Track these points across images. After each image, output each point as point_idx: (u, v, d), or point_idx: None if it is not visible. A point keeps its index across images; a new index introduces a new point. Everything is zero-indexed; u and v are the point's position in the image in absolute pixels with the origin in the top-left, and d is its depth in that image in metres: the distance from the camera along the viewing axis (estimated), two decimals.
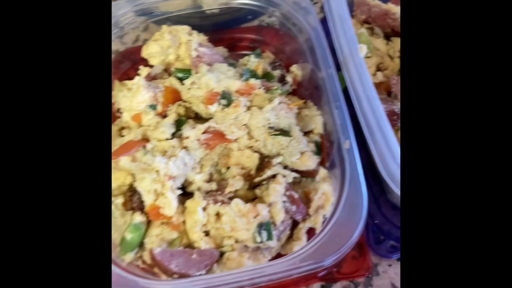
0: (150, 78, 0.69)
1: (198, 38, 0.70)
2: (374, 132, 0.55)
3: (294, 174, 0.61)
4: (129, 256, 0.59)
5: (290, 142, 0.62)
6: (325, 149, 0.66)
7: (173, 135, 0.63)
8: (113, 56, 0.77)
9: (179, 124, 0.64)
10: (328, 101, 0.63)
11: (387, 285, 0.64)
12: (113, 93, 0.73)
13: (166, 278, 0.56)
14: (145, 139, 0.63)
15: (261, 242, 0.57)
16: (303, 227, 0.61)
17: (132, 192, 0.63)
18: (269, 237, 0.58)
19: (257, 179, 0.61)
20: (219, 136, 0.62)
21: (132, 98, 0.64)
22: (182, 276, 0.55)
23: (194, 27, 0.74)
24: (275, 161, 0.61)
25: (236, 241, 0.58)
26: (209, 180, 0.63)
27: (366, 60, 0.69)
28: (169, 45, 0.69)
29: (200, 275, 0.55)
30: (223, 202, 0.59)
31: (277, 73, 0.71)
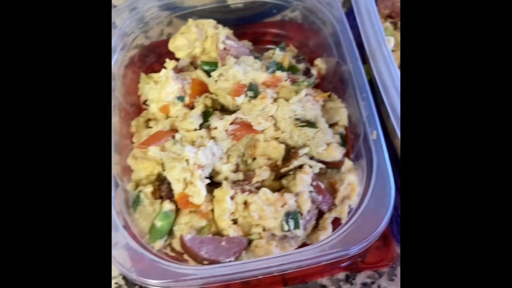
0: (177, 70, 0.70)
1: (224, 31, 0.71)
2: None
3: (321, 165, 0.62)
4: (159, 244, 0.60)
5: (316, 133, 0.63)
6: (350, 141, 0.67)
7: (201, 126, 0.65)
8: (138, 50, 0.78)
9: (206, 115, 0.65)
10: (354, 93, 0.64)
11: None
12: (139, 85, 0.75)
13: (195, 264, 0.58)
14: (174, 130, 0.64)
15: (289, 230, 0.58)
16: (329, 217, 0.62)
17: (160, 181, 0.64)
18: (296, 226, 0.59)
19: (283, 170, 0.62)
20: (246, 127, 0.63)
21: (160, 90, 0.66)
22: (212, 262, 0.56)
23: (218, 21, 0.76)
24: (302, 152, 0.62)
25: (264, 230, 0.59)
26: (236, 171, 0.64)
27: None
28: (196, 38, 0.71)
29: (229, 261, 0.56)
30: (250, 191, 0.60)
31: (301, 66, 0.72)
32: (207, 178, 0.61)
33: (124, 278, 0.67)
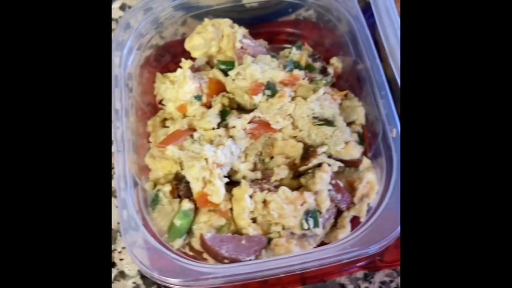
0: (194, 69, 0.71)
1: (241, 31, 0.71)
2: None
3: (339, 163, 0.62)
4: (178, 243, 0.60)
5: (334, 132, 0.63)
6: (367, 139, 0.67)
7: (218, 125, 0.65)
8: (153, 50, 0.79)
9: (223, 114, 0.66)
10: (372, 91, 0.64)
11: None
12: (155, 85, 0.75)
13: (215, 263, 0.58)
14: (191, 129, 0.65)
15: (308, 229, 0.58)
16: (348, 216, 0.62)
17: (178, 180, 0.64)
18: (316, 224, 0.59)
19: (302, 168, 0.62)
20: (264, 125, 0.63)
21: (178, 89, 0.66)
22: (232, 261, 0.56)
23: (233, 20, 0.76)
24: (320, 150, 0.62)
25: (283, 228, 0.59)
26: (253, 169, 0.64)
27: None
28: (212, 38, 0.71)
29: (250, 260, 0.56)
30: (269, 190, 0.60)
31: (317, 65, 0.72)
32: (225, 177, 0.61)
33: (142, 277, 0.67)
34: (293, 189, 0.62)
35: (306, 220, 0.58)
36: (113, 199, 0.72)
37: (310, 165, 0.62)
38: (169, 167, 0.64)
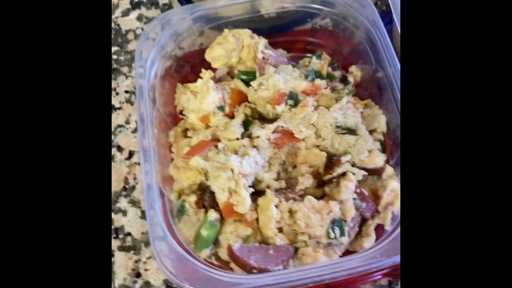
0: (216, 80, 0.71)
1: (262, 41, 0.71)
2: None
3: (363, 172, 0.62)
4: (205, 253, 0.61)
5: (357, 140, 0.63)
6: (389, 147, 0.67)
7: (242, 135, 0.65)
8: (172, 61, 0.79)
9: (246, 124, 0.66)
10: (394, 98, 0.64)
11: None
12: (176, 95, 0.75)
13: (242, 273, 0.58)
14: (215, 139, 0.65)
15: (335, 238, 0.58)
16: (372, 224, 0.62)
17: (202, 191, 0.65)
18: (342, 233, 0.59)
19: (326, 177, 0.63)
20: (288, 135, 0.63)
21: (201, 100, 0.66)
22: (261, 271, 0.56)
23: (251, 31, 0.76)
24: (344, 159, 0.62)
25: (309, 237, 0.59)
26: (277, 179, 0.65)
27: None
28: (233, 48, 0.71)
29: (278, 269, 0.56)
30: (294, 200, 0.60)
31: (337, 74, 0.72)
32: (250, 187, 0.62)
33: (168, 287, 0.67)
34: (316, 198, 0.62)
35: (333, 229, 0.58)
36: (136, 209, 0.73)
37: (335, 174, 0.62)
38: (193, 178, 0.64)
